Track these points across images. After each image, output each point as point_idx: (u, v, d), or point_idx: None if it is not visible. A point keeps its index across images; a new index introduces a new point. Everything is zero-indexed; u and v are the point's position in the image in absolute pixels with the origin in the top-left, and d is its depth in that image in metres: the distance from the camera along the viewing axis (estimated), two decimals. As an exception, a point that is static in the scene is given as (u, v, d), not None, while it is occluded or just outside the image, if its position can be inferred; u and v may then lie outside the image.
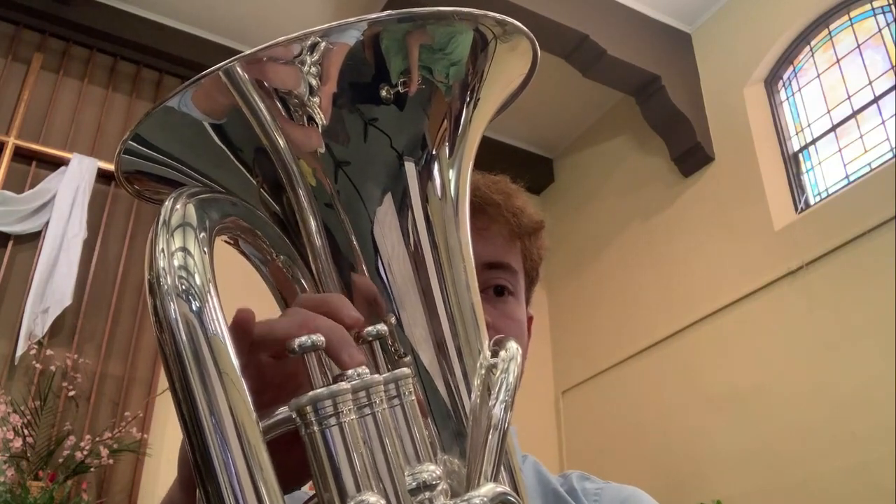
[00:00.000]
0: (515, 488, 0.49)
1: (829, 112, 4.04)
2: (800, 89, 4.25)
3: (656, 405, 4.32)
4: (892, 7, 3.73)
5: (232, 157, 0.47)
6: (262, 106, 0.45)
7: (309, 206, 0.48)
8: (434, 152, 0.50)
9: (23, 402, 3.37)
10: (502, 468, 0.45)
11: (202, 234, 0.39)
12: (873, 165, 3.71)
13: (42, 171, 3.99)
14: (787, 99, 4.30)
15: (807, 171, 4.10)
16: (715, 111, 4.52)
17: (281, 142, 0.46)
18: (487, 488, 0.42)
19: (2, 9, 4.17)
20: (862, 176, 3.72)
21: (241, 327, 0.40)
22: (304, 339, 0.38)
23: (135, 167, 0.49)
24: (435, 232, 0.50)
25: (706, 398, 4.01)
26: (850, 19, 4.01)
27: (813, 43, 4.20)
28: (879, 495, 3.02)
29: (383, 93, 0.46)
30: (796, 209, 4.00)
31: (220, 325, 0.37)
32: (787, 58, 4.31)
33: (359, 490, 0.36)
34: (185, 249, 0.38)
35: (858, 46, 3.93)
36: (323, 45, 0.44)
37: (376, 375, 0.40)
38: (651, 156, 4.85)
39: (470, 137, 0.53)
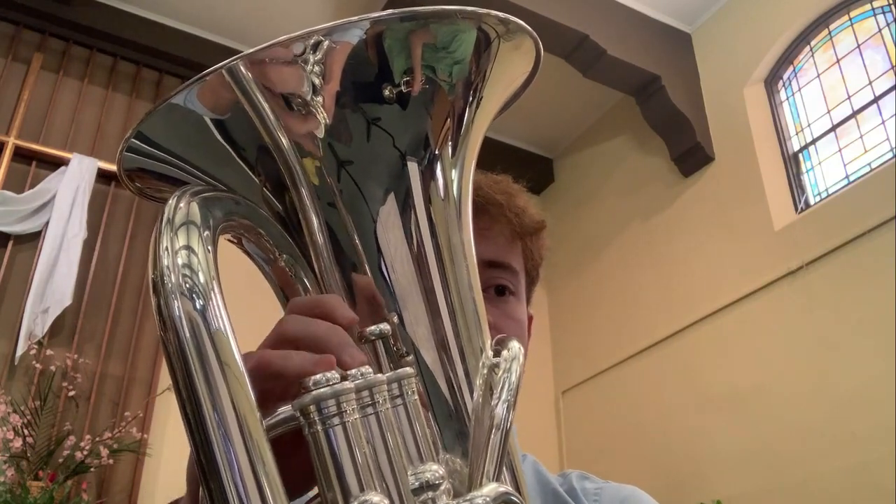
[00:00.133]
0: (517, 488, 0.49)
1: (829, 112, 4.04)
2: (800, 89, 4.25)
3: (656, 405, 4.32)
4: (892, 7, 3.73)
5: (234, 155, 0.47)
6: (265, 104, 0.45)
7: (311, 205, 0.47)
8: (437, 152, 0.50)
9: (23, 402, 3.37)
10: (504, 468, 0.45)
11: (206, 233, 0.39)
12: (873, 165, 3.71)
13: (42, 171, 3.98)
14: (787, 99, 4.30)
15: (807, 171, 4.10)
16: (715, 111, 4.53)
17: (284, 140, 0.46)
18: (490, 488, 0.42)
19: (2, 9, 4.17)
20: (862, 176, 3.72)
21: (257, 373, 0.39)
22: (318, 377, 0.37)
23: (137, 165, 0.49)
24: (437, 231, 0.50)
25: (706, 398, 4.01)
26: (850, 19, 4.01)
27: (813, 43, 4.20)
28: (879, 495, 3.02)
29: (386, 92, 0.46)
30: (796, 209, 4.00)
31: (223, 322, 0.37)
32: (787, 58, 4.31)
33: (362, 490, 0.36)
34: (188, 248, 0.38)
35: (858, 46, 3.94)
36: (326, 43, 0.44)
37: (379, 375, 0.39)
38: (651, 156, 4.85)
39: (473, 137, 0.53)
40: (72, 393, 3.50)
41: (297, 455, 0.39)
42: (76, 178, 3.92)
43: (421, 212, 0.49)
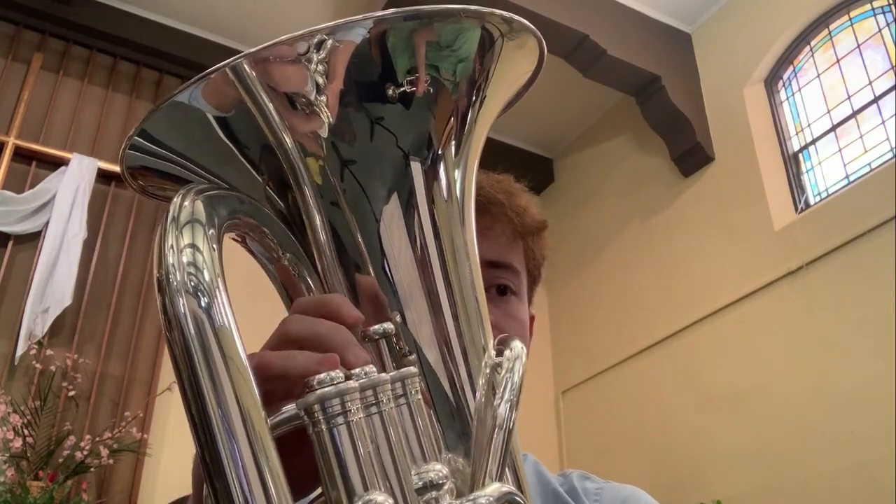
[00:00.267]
0: (519, 488, 0.49)
1: (829, 112, 4.04)
2: (800, 89, 4.25)
3: (656, 405, 4.32)
4: (892, 7, 3.73)
5: (238, 153, 0.47)
6: (268, 103, 0.45)
7: (314, 204, 0.47)
8: (440, 151, 0.50)
9: (23, 402, 3.37)
10: (507, 467, 0.45)
11: (211, 231, 0.39)
12: (873, 165, 3.71)
13: (42, 171, 3.99)
14: (787, 99, 4.31)
15: (807, 171, 4.11)
16: (715, 111, 4.53)
17: (287, 139, 0.46)
18: (493, 488, 0.41)
19: (2, 9, 4.17)
20: (862, 176, 3.72)
21: (261, 373, 0.39)
22: (323, 376, 0.37)
23: (140, 163, 0.49)
24: (440, 231, 0.50)
25: (706, 398, 4.01)
26: (850, 19, 4.01)
27: (813, 43, 4.20)
28: (879, 495, 3.02)
29: (390, 91, 0.46)
30: (796, 209, 4.00)
31: (228, 320, 0.36)
32: (787, 58, 4.31)
33: (366, 489, 0.36)
34: (193, 246, 0.38)
35: (858, 46, 3.94)
36: (330, 42, 0.44)
37: (383, 374, 0.39)
38: (651, 156, 4.86)
39: (476, 136, 0.53)
40: (72, 393, 3.50)
41: (300, 454, 0.39)
42: (76, 178, 3.92)
43: (424, 212, 0.49)
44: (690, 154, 4.51)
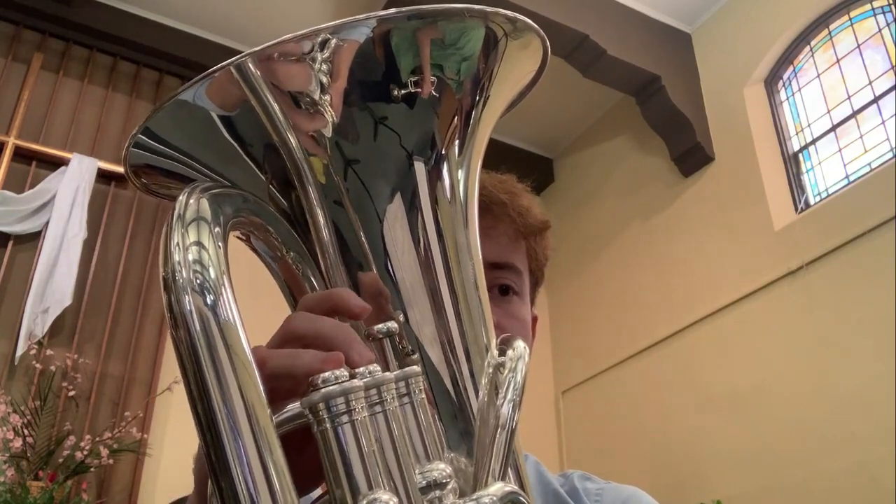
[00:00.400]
0: (522, 487, 0.49)
1: (829, 112, 4.04)
2: (800, 89, 4.25)
3: (656, 405, 4.32)
4: (892, 7, 3.73)
5: (241, 152, 0.47)
6: (272, 102, 0.45)
7: (318, 203, 0.47)
8: (444, 151, 0.50)
9: (23, 402, 3.37)
10: (509, 467, 0.45)
11: (216, 229, 0.39)
12: (873, 165, 3.71)
13: (42, 171, 3.98)
14: (787, 99, 4.31)
15: (807, 171, 4.11)
16: (715, 111, 4.53)
17: (291, 138, 0.46)
18: (496, 487, 0.42)
19: (2, 9, 4.17)
20: (862, 176, 3.72)
21: (265, 371, 0.39)
22: (327, 375, 0.37)
23: (143, 161, 0.49)
24: (444, 231, 0.50)
25: (706, 398, 4.01)
26: (850, 19, 4.01)
27: (813, 43, 4.20)
28: (879, 495, 3.02)
29: (394, 90, 0.46)
30: (796, 209, 4.00)
31: (233, 316, 0.36)
32: (787, 58, 4.31)
33: (370, 488, 0.36)
34: (199, 243, 0.38)
35: (858, 46, 3.94)
36: (333, 42, 0.44)
37: (387, 373, 0.39)
38: (651, 156, 4.86)
39: (479, 136, 0.53)
40: (72, 393, 3.49)
41: (304, 453, 0.39)
42: (76, 178, 3.92)
43: (427, 211, 0.49)
44: (690, 154, 4.51)
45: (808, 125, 4.15)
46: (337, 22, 0.42)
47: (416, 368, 0.42)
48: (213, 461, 0.34)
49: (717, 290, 4.12)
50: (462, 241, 0.51)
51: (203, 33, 4.65)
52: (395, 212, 0.48)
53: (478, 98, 0.51)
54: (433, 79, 0.47)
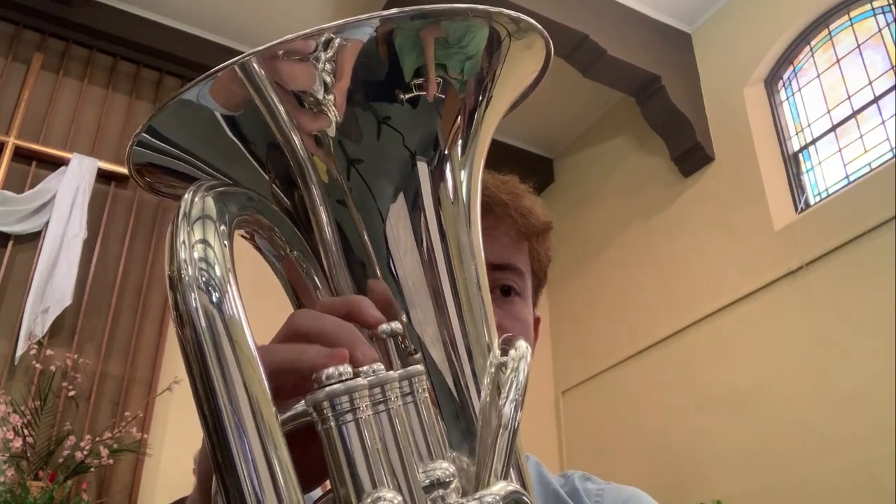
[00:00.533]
0: (524, 487, 0.49)
1: (829, 112, 4.05)
2: (800, 89, 4.25)
3: (656, 405, 4.32)
4: (892, 7, 3.73)
5: (245, 151, 0.47)
6: (276, 101, 0.45)
7: (321, 203, 0.47)
8: (447, 151, 0.50)
9: (23, 402, 3.37)
10: (511, 467, 0.45)
11: (222, 227, 0.39)
12: (873, 165, 3.72)
13: (42, 171, 3.99)
14: (787, 99, 4.31)
15: (807, 171, 4.11)
16: (715, 111, 4.53)
17: (294, 138, 0.46)
18: (499, 486, 0.42)
19: (2, 9, 4.17)
20: (862, 176, 3.73)
21: (270, 367, 0.39)
22: (331, 371, 0.37)
23: (146, 160, 0.49)
24: (446, 231, 0.50)
25: (706, 398, 4.01)
26: (850, 19, 4.02)
27: (813, 43, 4.21)
28: (879, 495, 3.02)
29: (397, 90, 0.46)
30: (796, 209, 4.01)
31: (239, 313, 0.37)
32: (787, 58, 4.31)
33: (374, 486, 0.36)
34: (205, 241, 0.38)
35: (858, 46, 3.94)
36: (337, 41, 0.44)
37: (391, 372, 0.39)
38: (651, 156, 4.86)
39: (482, 136, 0.53)
40: (72, 393, 3.50)
41: (308, 451, 0.39)
42: (76, 178, 3.92)
43: (430, 211, 0.49)
44: (690, 154, 4.52)
45: (808, 125, 4.15)
46: (340, 21, 0.42)
47: (420, 367, 0.42)
48: (219, 458, 0.34)
49: (717, 290, 4.13)
50: (465, 242, 0.51)
51: (203, 33, 4.65)
52: (398, 211, 0.48)
53: (481, 98, 0.51)
54: (436, 78, 0.47)
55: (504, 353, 0.50)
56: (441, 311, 0.49)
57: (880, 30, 3.84)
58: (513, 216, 0.74)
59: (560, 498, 0.76)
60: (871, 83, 3.83)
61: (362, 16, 0.43)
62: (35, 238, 3.80)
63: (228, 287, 0.37)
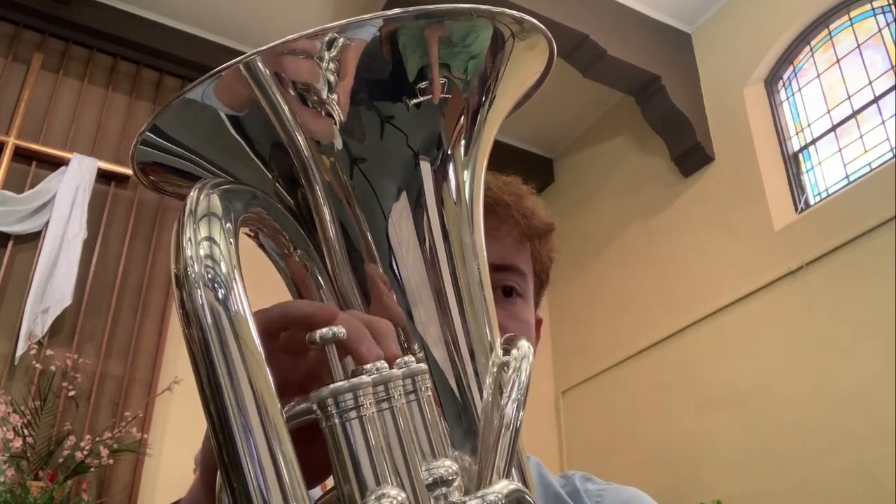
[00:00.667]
0: (525, 486, 0.49)
1: (829, 112, 4.05)
2: (800, 89, 4.26)
3: (656, 405, 4.32)
4: (892, 7, 3.73)
5: (249, 150, 0.48)
6: (280, 100, 0.45)
7: (324, 202, 0.48)
8: (450, 151, 0.50)
9: (23, 402, 3.37)
10: (513, 466, 0.45)
11: (227, 225, 0.39)
12: (873, 165, 3.72)
13: (42, 171, 3.99)
14: (787, 99, 4.31)
15: (807, 171, 4.11)
16: (715, 111, 4.53)
17: (298, 137, 0.46)
18: (502, 485, 0.42)
19: (2, 9, 4.17)
20: (862, 176, 3.73)
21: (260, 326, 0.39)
22: (325, 330, 0.38)
23: (150, 158, 0.50)
24: (449, 231, 0.50)
25: (706, 398, 4.02)
26: (850, 19, 4.02)
27: (813, 43, 4.21)
28: (879, 495, 3.02)
29: (401, 90, 0.46)
30: (796, 209, 4.01)
31: (244, 309, 0.37)
32: (787, 58, 4.31)
33: (378, 483, 0.36)
34: (210, 238, 0.38)
35: (858, 46, 3.94)
36: (341, 41, 0.44)
37: (394, 370, 0.40)
38: (651, 156, 4.86)
39: (485, 137, 0.53)
40: (72, 393, 3.50)
41: (312, 448, 0.40)
42: (76, 178, 3.92)
43: (433, 211, 0.49)
44: (690, 154, 4.52)
45: (808, 125, 4.15)
46: (344, 21, 0.43)
47: (423, 366, 0.42)
48: (224, 455, 0.34)
49: (717, 290, 4.13)
50: (467, 242, 0.51)
51: (203, 33, 4.65)
52: (400, 211, 0.48)
53: (484, 98, 0.51)
54: (440, 78, 0.47)
55: (506, 352, 0.51)
56: (443, 311, 0.49)
57: (880, 30, 3.84)
58: (515, 217, 0.74)
59: (561, 499, 0.76)
60: (871, 83, 3.84)
61: (366, 15, 0.43)
62: (35, 238, 3.80)
63: (234, 284, 0.37)
